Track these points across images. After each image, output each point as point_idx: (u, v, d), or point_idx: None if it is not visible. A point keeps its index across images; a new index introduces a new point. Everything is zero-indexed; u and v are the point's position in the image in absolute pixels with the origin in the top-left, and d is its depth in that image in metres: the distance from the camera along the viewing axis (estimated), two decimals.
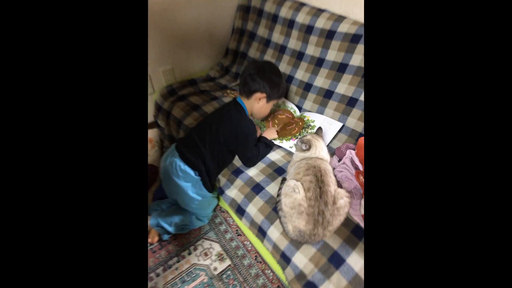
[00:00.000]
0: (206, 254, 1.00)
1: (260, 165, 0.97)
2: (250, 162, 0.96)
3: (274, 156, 1.00)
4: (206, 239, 1.04)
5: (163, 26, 1.29)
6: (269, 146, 1.01)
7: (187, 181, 0.92)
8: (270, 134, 1.05)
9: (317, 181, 0.74)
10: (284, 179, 0.88)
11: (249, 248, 1.01)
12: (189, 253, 1.00)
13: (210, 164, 0.92)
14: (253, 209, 0.86)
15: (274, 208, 0.84)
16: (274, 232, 0.80)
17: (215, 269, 0.95)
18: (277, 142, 1.06)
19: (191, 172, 0.91)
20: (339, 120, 1.07)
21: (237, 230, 1.07)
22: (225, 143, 0.93)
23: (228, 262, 0.97)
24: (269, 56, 1.33)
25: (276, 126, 1.12)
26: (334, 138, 1.05)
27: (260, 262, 0.97)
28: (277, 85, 0.95)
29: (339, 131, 1.06)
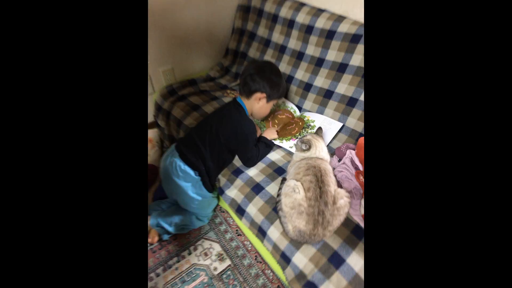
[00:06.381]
0: (206, 254, 1.00)
1: (260, 165, 0.97)
2: (250, 162, 0.96)
3: (274, 156, 1.00)
4: (206, 239, 1.04)
5: (163, 26, 1.29)
6: (269, 146, 1.02)
7: (187, 181, 0.92)
8: (270, 134, 1.05)
9: (317, 181, 0.74)
10: (284, 179, 0.88)
11: (249, 248, 1.01)
12: (189, 253, 1.00)
13: (210, 164, 0.92)
14: (253, 209, 0.86)
15: (274, 208, 0.84)
16: (274, 232, 0.80)
17: (215, 269, 0.95)
18: (277, 142, 1.05)
19: (191, 172, 0.91)
20: (339, 120, 1.07)
21: (237, 230, 1.07)
22: (225, 143, 0.93)
23: (228, 262, 0.97)
24: (269, 56, 1.33)
25: (276, 126, 1.12)
26: (334, 138, 1.05)
27: (260, 262, 0.97)
28: (277, 85, 0.95)
29: (339, 131, 1.06)
